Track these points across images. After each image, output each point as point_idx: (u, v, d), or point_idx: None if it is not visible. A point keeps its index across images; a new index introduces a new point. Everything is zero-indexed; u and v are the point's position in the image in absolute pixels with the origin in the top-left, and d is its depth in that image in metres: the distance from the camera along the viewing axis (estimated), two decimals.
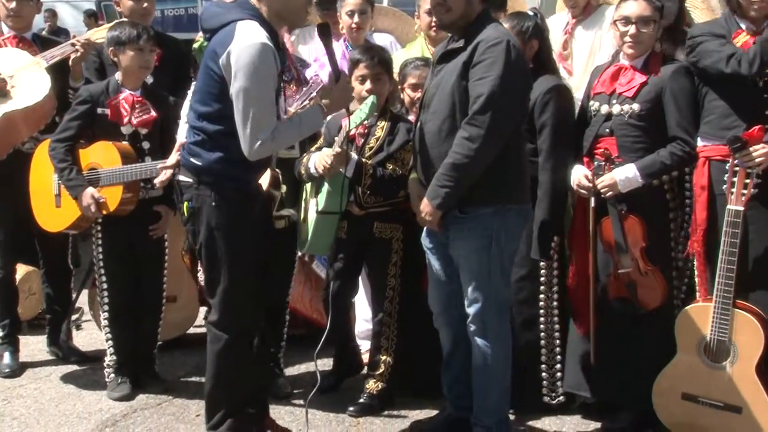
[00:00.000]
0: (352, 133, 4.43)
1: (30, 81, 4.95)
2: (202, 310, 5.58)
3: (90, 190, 4.69)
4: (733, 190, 4.01)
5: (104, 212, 4.71)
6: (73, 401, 4.85)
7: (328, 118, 4.10)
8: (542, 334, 4.55)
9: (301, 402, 4.59)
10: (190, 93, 4.34)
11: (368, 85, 4.48)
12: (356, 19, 5.51)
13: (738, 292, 4.03)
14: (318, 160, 4.36)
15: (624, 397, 4.37)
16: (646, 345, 4.28)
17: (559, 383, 4.57)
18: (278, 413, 4.51)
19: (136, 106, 4.78)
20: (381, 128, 4.57)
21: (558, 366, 4.56)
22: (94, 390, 4.96)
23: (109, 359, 4.93)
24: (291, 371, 5.08)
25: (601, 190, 4.23)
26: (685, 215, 4.35)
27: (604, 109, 4.31)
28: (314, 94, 4.51)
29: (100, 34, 5.06)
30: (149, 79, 4.94)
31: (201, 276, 5.55)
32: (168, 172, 4.43)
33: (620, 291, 4.30)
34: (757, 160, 4.00)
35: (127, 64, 4.75)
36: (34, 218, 5.01)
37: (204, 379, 4.18)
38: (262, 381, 4.31)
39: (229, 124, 3.80)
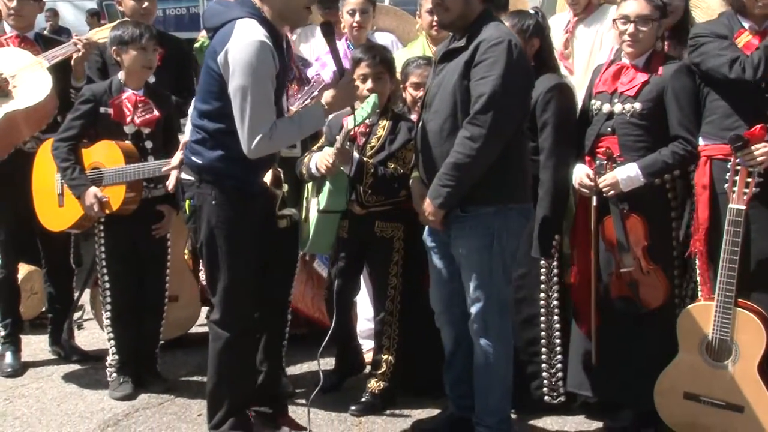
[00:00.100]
0: (353, 132, 4.43)
1: (32, 81, 4.96)
2: (204, 309, 5.59)
3: (93, 190, 4.69)
4: (735, 188, 4.01)
5: (107, 211, 4.72)
6: (75, 401, 4.85)
7: (330, 117, 4.09)
8: (542, 333, 4.55)
9: (303, 401, 4.59)
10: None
11: (369, 84, 4.48)
12: (357, 18, 5.51)
13: (740, 291, 4.03)
14: (319, 159, 4.36)
15: (625, 396, 4.37)
16: (648, 344, 4.28)
17: (560, 383, 4.56)
18: None
19: (139, 105, 4.78)
20: (382, 127, 4.57)
21: (559, 365, 4.56)
22: (96, 389, 4.96)
23: (111, 359, 4.94)
24: (293, 370, 5.08)
25: (603, 189, 4.23)
26: (687, 214, 4.36)
27: (606, 108, 4.30)
28: (316, 93, 4.50)
29: (102, 33, 5.07)
30: (151, 79, 4.94)
31: (203, 275, 5.57)
32: (175, 173, 4.44)
33: (622, 290, 4.30)
34: (758, 158, 3.99)
35: (130, 64, 4.76)
36: (37, 218, 5.02)
37: (206, 378, 4.19)
38: (272, 379, 4.31)
39: (229, 123, 3.81)
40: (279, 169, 4.37)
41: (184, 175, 4.07)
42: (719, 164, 4.14)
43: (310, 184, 4.53)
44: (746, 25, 4.15)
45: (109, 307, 4.91)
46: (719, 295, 4.02)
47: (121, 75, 4.82)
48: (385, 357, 4.68)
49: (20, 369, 5.26)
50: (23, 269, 5.64)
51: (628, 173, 4.18)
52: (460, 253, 4.07)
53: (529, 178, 4.17)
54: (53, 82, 4.95)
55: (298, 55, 5.30)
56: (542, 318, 4.54)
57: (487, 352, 4.09)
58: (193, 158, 3.99)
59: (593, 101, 4.39)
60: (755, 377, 4.00)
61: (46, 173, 4.94)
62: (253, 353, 4.23)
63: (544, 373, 4.56)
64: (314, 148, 4.61)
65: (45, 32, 6.24)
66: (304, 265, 5.16)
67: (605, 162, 4.24)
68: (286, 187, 4.41)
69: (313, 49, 5.94)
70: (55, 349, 5.48)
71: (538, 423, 4.52)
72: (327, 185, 4.35)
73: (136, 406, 4.76)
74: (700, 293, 4.25)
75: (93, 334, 5.79)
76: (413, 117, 4.61)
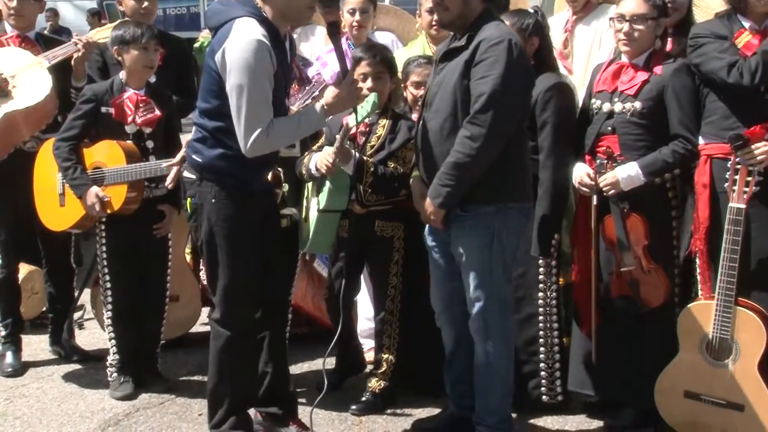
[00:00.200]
0: (353, 131, 4.43)
1: (31, 81, 4.96)
2: (205, 309, 5.60)
3: (94, 189, 4.69)
4: (735, 187, 4.01)
5: (108, 211, 4.72)
6: (75, 400, 4.86)
7: (330, 117, 4.09)
8: (541, 332, 4.55)
9: (304, 400, 4.60)
10: None
11: (370, 83, 4.48)
12: (357, 17, 5.52)
13: (740, 290, 4.03)
14: (319, 159, 4.36)
15: (626, 395, 4.37)
16: (649, 343, 4.28)
17: (557, 382, 4.57)
18: None
19: (141, 105, 4.78)
20: (382, 126, 4.57)
21: (557, 365, 4.56)
22: (97, 389, 4.97)
23: (111, 358, 4.94)
24: (294, 370, 5.06)
25: (603, 189, 4.23)
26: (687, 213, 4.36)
27: (606, 107, 4.30)
28: (317, 93, 4.50)
29: (103, 33, 5.07)
30: (152, 79, 4.94)
31: (203, 275, 5.57)
32: (175, 169, 4.46)
33: (623, 289, 4.29)
34: (759, 157, 3.99)
35: (131, 64, 4.76)
36: (38, 217, 5.02)
37: (206, 378, 4.19)
38: (279, 379, 4.32)
39: (228, 121, 3.82)
40: (279, 169, 4.37)
41: (186, 174, 4.08)
42: (719, 163, 4.14)
43: (310, 184, 4.53)
44: (746, 24, 4.15)
45: (110, 306, 4.92)
46: (719, 293, 4.02)
47: (122, 75, 4.82)
48: (385, 356, 4.68)
49: (21, 369, 5.26)
50: (24, 269, 5.65)
51: (628, 172, 4.18)
52: (460, 252, 4.07)
53: (529, 178, 4.17)
54: (53, 82, 4.95)
55: (298, 54, 5.29)
56: (540, 317, 4.54)
57: (487, 352, 4.09)
58: (194, 156, 4.00)
59: (593, 100, 4.38)
60: (755, 376, 4.00)
61: (47, 173, 4.94)
62: (254, 352, 4.23)
63: (543, 373, 4.56)
64: (314, 147, 4.61)
65: (45, 32, 6.24)
66: (304, 264, 5.17)
67: (605, 161, 4.24)
68: (286, 187, 4.41)
69: (313, 48, 5.94)
70: (55, 349, 5.48)
71: (539, 422, 4.52)
72: (327, 185, 4.35)
73: (136, 405, 4.76)
74: (700, 292, 4.25)
75: (93, 333, 5.79)
76: (414, 116, 4.61)
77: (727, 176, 4.07)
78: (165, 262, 5.01)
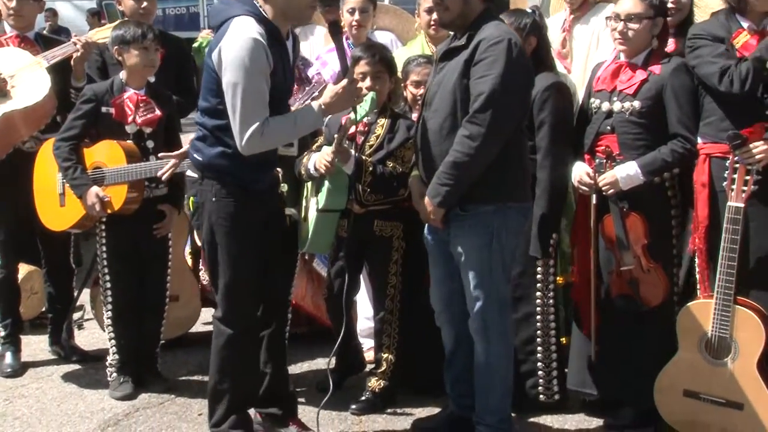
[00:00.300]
0: (351, 130, 4.43)
1: (30, 81, 4.96)
2: (205, 309, 5.60)
3: (95, 189, 4.69)
4: (734, 186, 4.01)
5: (109, 211, 4.72)
6: (75, 401, 4.86)
7: (329, 117, 4.09)
8: (538, 332, 4.55)
9: (303, 400, 4.60)
10: None
11: (368, 82, 4.48)
12: (357, 16, 5.52)
13: (739, 289, 4.03)
14: (318, 159, 4.36)
15: (626, 394, 4.38)
16: (648, 342, 4.28)
17: (554, 381, 4.57)
18: None
19: (141, 105, 4.79)
20: (381, 126, 4.57)
21: (554, 364, 4.56)
22: (96, 389, 4.97)
23: (111, 358, 4.94)
24: (293, 369, 5.07)
25: (603, 188, 4.23)
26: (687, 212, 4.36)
27: (605, 106, 4.30)
28: (316, 93, 4.50)
29: (102, 33, 5.07)
30: (151, 78, 4.94)
31: (203, 275, 5.58)
32: (172, 161, 4.45)
33: (622, 288, 4.30)
34: (757, 156, 3.99)
35: (131, 63, 4.76)
36: (38, 217, 5.02)
37: (206, 378, 4.19)
38: (278, 379, 4.32)
39: (227, 119, 3.84)
40: (278, 169, 4.37)
41: (189, 173, 4.10)
42: (718, 162, 4.14)
43: (309, 184, 4.53)
44: (745, 24, 4.14)
45: (110, 306, 4.92)
46: (718, 292, 4.02)
47: (122, 75, 4.83)
48: (385, 356, 4.68)
49: (20, 369, 5.26)
50: (23, 269, 5.65)
51: (627, 171, 4.18)
52: (459, 251, 4.07)
53: (528, 177, 4.17)
54: (52, 82, 4.95)
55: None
56: (538, 317, 4.54)
57: (487, 351, 4.09)
58: (195, 155, 4.03)
59: (592, 99, 4.39)
60: (754, 374, 4.00)
61: (47, 173, 4.94)
62: (255, 351, 4.23)
63: (540, 372, 4.56)
64: (313, 147, 4.62)
65: (44, 32, 6.24)
66: (303, 264, 5.17)
67: (604, 160, 4.24)
68: (285, 187, 4.41)
69: (312, 48, 5.95)
70: (55, 349, 5.48)
71: (539, 421, 4.52)
72: (326, 184, 4.35)
73: (136, 405, 4.76)
74: (699, 291, 4.26)
75: (93, 334, 5.79)
76: (414, 116, 4.61)
77: (725, 175, 4.07)
78: (165, 262, 5.01)
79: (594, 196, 4.28)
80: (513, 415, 4.33)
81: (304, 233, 4.44)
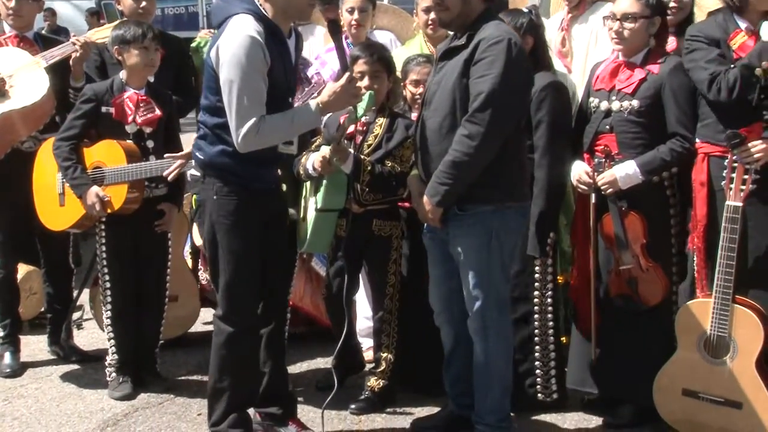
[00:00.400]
0: (350, 130, 4.43)
1: (29, 81, 4.96)
2: (204, 309, 5.60)
3: (94, 189, 4.69)
4: (732, 185, 4.01)
5: (108, 211, 4.72)
6: (74, 401, 4.85)
7: (327, 116, 4.09)
8: (536, 331, 4.55)
9: (302, 399, 4.60)
10: None
11: (366, 81, 4.47)
12: (356, 16, 5.51)
13: (737, 288, 4.03)
14: (316, 158, 4.36)
15: (625, 392, 4.38)
16: (647, 341, 4.29)
17: (552, 380, 4.57)
18: None
19: (141, 104, 4.79)
20: (379, 125, 4.57)
21: (552, 363, 4.56)
22: (95, 389, 4.96)
23: (110, 358, 4.94)
24: (292, 369, 5.06)
25: (602, 187, 4.23)
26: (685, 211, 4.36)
27: (604, 105, 4.31)
28: (315, 94, 4.50)
29: (101, 33, 5.08)
30: (150, 78, 4.94)
31: (202, 275, 5.58)
32: (178, 162, 4.46)
33: (621, 287, 4.30)
34: (755, 155, 4.00)
35: (132, 63, 4.76)
36: (37, 217, 5.01)
37: (205, 378, 4.19)
38: (277, 379, 4.32)
39: (226, 117, 3.84)
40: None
41: (192, 171, 4.10)
42: (716, 161, 4.14)
43: (308, 183, 4.53)
44: (743, 25, 4.14)
45: (109, 306, 4.91)
46: (717, 291, 4.02)
47: (122, 74, 4.83)
48: (384, 355, 4.68)
49: (19, 369, 5.26)
50: (22, 269, 5.64)
51: (626, 171, 4.18)
52: (458, 251, 4.07)
53: (527, 177, 4.18)
54: (51, 82, 4.95)
55: None
56: (536, 316, 4.54)
57: (486, 351, 4.09)
58: (197, 154, 4.05)
59: (591, 99, 4.39)
60: (753, 373, 4.00)
61: (47, 173, 4.94)
62: (255, 350, 4.23)
63: (538, 371, 4.56)
64: (312, 147, 4.61)
65: (43, 32, 6.23)
66: (302, 263, 5.17)
67: (603, 160, 4.24)
68: (283, 187, 4.41)
69: (312, 48, 5.94)
70: (54, 350, 5.48)
71: (538, 420, 4.52)
72: (324, 184, 4.35)
73: (135, 405, 4.76)
74: (697, 290, 4.26)
75: (92, 334, 5.79)
76: (413, 115, 4.61)
77: (724, 174, 4.07)
78: (165, 262, 5.01)
79: (593, 196, 4.29)
80: (512, 414, 4.33)
81: (302, 233, 4.44)
